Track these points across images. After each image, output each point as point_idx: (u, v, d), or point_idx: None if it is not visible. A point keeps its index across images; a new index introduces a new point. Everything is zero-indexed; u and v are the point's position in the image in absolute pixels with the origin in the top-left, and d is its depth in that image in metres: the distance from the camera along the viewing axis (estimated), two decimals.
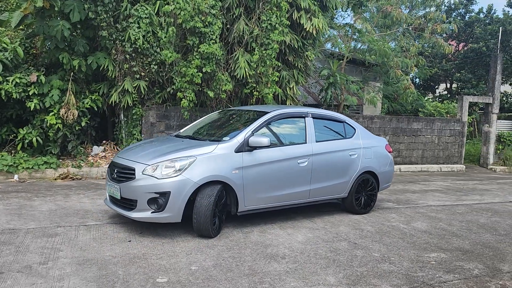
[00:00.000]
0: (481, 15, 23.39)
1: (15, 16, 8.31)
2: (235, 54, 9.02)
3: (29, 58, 8.98)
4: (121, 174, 4.91)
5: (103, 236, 4.66)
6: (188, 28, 8.20)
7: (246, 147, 5.02)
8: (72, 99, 8.27)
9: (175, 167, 4.63)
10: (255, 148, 5.06)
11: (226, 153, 4.89)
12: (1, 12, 9.62)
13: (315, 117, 5.95)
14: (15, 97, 7.95)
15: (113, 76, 8.78)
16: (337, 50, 13.93)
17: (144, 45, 8.46)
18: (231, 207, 5.05)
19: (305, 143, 5.65)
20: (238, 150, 4.97)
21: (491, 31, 21.47)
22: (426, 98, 20.89)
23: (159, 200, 4.58)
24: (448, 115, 14.91)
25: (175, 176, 4.58)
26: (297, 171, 5.46)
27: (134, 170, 4.74)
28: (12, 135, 8.60)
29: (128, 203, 4.79)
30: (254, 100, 9.21)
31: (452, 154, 13.31)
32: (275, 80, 9.07)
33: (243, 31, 8.88)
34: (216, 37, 8.47)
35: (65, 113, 8.16)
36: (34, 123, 8.46)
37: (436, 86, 25.79)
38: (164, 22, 8.53)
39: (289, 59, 9.68)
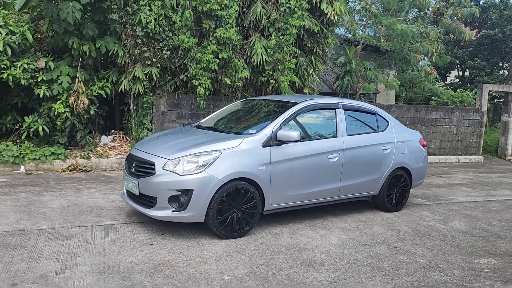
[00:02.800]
0: (497, 1, 22.68)
1: None
2: (252, 39, 8.53)
3: (33, 43, 8.50)
4: (140, 168, 4.56)
5: (122, 238, 4.27)
6: (204, 11, 7.70)
7: (274, 141, 4.65)
8: (82, 86, 7.83)
9: (198, 162, 4.28)
10: (283, 142, 4.69)
11: (252, 148, 4.53)
12: None
13: (346, 108, 5.55)
14: (23, 83, 7.50)
15: (122, 62, 8.31)
16: (349, 36, 13.39)
17: (156, 29, 7.97)
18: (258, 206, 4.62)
19: (336, 137, 5.26)
20: (266, 144, 4.61)
21: (507, 17, 20.82)
22: (436, 86, 20.35)
23: (181, 198, 4.23)
24: (465, 104, 14.41)
25: (199, 173, 4.23)
26: (327, 167, 5.09)
27: (154, 164, 4.39)
28: (17, 125, 8.17)
29: (148, 200, 4.45)
30: (270, 88, 8.76)
31: (470, 145, 12.88)
32: (291, 67, 8.59)
33: (260, 14, 8.37)
34: (233, 21, 7.98)
35: (74, 101, 7.72)
36: (40, 112, 8.03)
37: (447, 74, 25.21)
38: (178, 5, 8.02)
39: (307, 45, 9.19)
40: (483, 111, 12.94)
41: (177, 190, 4.22)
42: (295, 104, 5.16)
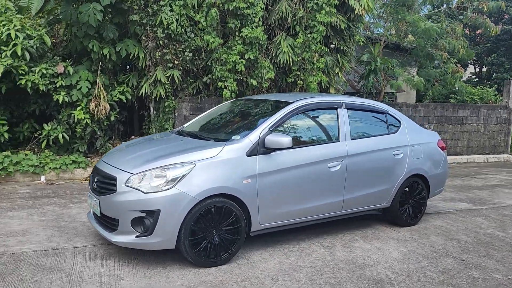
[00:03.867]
0: None
1: (36, 1, 7.51)
2: (277, 38, 8.16)
3: (50, 47, 8.18)
4: (102, 184, 3.87)
5: (164, 255, 3.90)
6: (230, 9, 7.34)
7: (261, 148, 3.92)
8: (102, 91, 7.49)
9: (167, 176, 3.56)
10: (273, 150, 3.95)
11: (235, 157, 3.80)
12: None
13: (350, 107, 4.76)
14: (41, 89, 7.17)
15: (143, 65, 7.97)
16: (367, 33, 13.00)
17: (177, 30, 7.62)
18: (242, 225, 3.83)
19: (338, 141, 4.49)
20: (251, 153, 3.87)
21: None
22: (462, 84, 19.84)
23: (146, 220, 3.53)
24: (490, 102, 13.97)
25: (167, 190, 3.52)
26: (327, 177, 4.33)
27: (115, 180, 3.69)
28: (36, 133, 7.85)
29: (110, 222, 3.77)
30: (297, 89, 8.38)
31: (498, 143, 12.42)
32: (320, 67, 8.21)
33: (286, 12, 8.00)
34: (259, 19, 7.62)
35: (95, 107, 7.39)
36: (59, 119, 7.70)
37: (464, 71, 24.70)
38: (200, 5, 7.67)
39: (333, 43, 8.81)
40: (510, 108, 12.48)
41: (141, 211, 3.52)
42: (288, 104, 4.39)
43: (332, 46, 8.64)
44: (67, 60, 7.70)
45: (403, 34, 12.89)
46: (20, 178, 6.92)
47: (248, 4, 7.43)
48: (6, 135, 7.38)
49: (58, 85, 7.39)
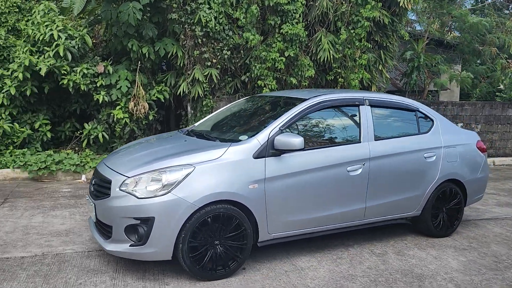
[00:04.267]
0: None
1: (78, 2, 7.60)
2: (317, 35, 7.90)
3: (91, 47, 8.26)
4: (98, 187, 3.64)
5: None
6: (270, 5, 7.15)
7: (270, 150, 3.57)
8: (141, 90, 7.47)
9: (162, 181, 3.28)
10: (284, 151, 3.60)
11: (240, 160, 3.47)
12: (60, 0, 8.95)
13: (374, 104, 4.29)
14: (83, 89, 7.23)
15: (181, 64, 7.91)
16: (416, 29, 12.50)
17: (216, 28, 7.50)
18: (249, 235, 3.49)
19: (359, 142, 4.07)
20: (259, 155, 3.53)
21: None
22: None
23: (140, 228, 3.26)
24: None
25: (162, 195, 3.23)
26: (346, 182, 3.92)
27: (110, 183, 3.44)
28: (77, 132, 7.94)
29: (105, 229, 3.51)
30: (338, 87, 8.09)
31: None
32: (363, 63, 7.89)
33: (327, 7, 7.72)
34: (299, 15, 7.39)
35: (134, 107, 7.38)
36: (99, 118, 7.75)
37: None
38: (239, 1, 7.52)
39: (375, 39, 8.46)
40: None
41: (135, 218, 3.25)
42: (304, 100, 4.01)
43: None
44: (107, 60, 7.74)
45: (447, 29, 12.31)
46: (62, 177, 6.99)
47: (289, 0, 7.21)
48: (49, 134, 7.50)
49: (98, 84, 7.43)
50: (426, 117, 4.66)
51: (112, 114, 7.60)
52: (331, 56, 7.72)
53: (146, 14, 7.45)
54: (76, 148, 7.93)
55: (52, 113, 7.97)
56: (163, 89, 7.99)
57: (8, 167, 6.75)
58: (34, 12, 7.57)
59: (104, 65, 7.49)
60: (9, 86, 6.98)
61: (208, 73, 7.75)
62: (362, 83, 8.40)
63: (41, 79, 7.28)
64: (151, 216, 3.20)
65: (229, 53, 7.78)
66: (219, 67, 7.89)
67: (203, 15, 7.40)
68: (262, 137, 3.60)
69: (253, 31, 7.33)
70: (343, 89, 6.58)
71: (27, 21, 7.96)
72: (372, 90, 8.63)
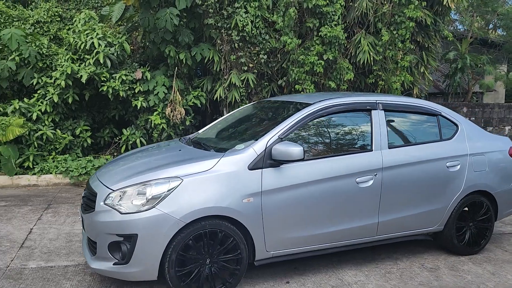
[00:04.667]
0: None
1: (116, 9, 7.75)
2: (356, 37, 7.67)
3: (130, 53, 8.38)
4: (87, 200, 3.44)
5: (255, 273, 3.63)
6: (308, 8, 7.01)
7: (268, 160, 3.28)
8: (178, 96, 7.49)
9: (147, 195, 3.06)
10: (283, 162, 3.29)
11: (233, 171, 3.21)
12: (99, 8, 9.15)
13: (388, 108, 3.93)
14: (121, 95, 7.33)
15: (217, 69, 7.88)
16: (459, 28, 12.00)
17: (252, 32, 7.42)
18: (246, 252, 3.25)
19: (371, 150, 3.71)
20: (255, 165, 3.25)
21: None
22: None
23: (123, 246, 3.05)
24: None
25: (146, 210, 3.01)
26: (355, 195, 3.57)
27: (96, 196, 3.25)
28: (117, 138, 8.06)
29: (92, 245, 3.32)
30: (379, 90, 7.83)
31: None
32: (405, 66, 7.60)
33: (367, 8, 7.49)
34: (338, 17, 7.20)
35: (171, 112, 7.40)
36: (137, 124, 7.83)
37: None
38: (275, 5, 7.41)
39: (417, 40, 8.14)
40: None
41: (118, 235, 3.05)
42: (307, 106, 3.71)
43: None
44: (144, 66, 7.82)
45: (491, 28, 11.74)
46: None
47: (328, 1, 7.04)
48: (89, 140, 7.63)
49: (136, 90, 7.51)
50: (449, 121, 4.25)
51: (149, 120, 7.65)
52: (371, 58, 7.48)
53: (183, 20, 7.47)
54: (115, 154, 8.03)
55: (91, 119, 8.13)
56: (199, 94, 7.98)
57: (51, 173, 6.91)
58: (75, 20, 7.74)
59: (142, 72, 7.56)
60: (52, 94, 7.16)
61: (245, 78, 7.68)
62: (403, 86, 8.11)
63: (81, 86, 7.43)
64: (134, 233, 2.99)
65: (265, 57, 7.68)
66: (256, 71, 7.81)
67: (240, 20, 7.35)
68: (258, 147, 3.33)
69: (291, 35, 7.19)
70: (356, 92, 6.21)
71: (68, 29, 8.18)
72: (414, 93, 8.31)
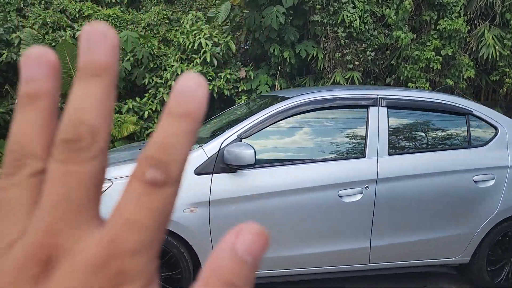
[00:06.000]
0: None
1: (223, 10, 7.85)
2: (479, 30, 6.90)
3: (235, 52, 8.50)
4: None
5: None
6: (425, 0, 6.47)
7: (220, 164, 2.77)
8: None
9: None
10: (235, 167, 2.73)
11: None
12: (204, 9, 9.41)
13: (394, 105, 3.17)
14: (226, 94, 7.42)
15: (321, 68, 7.62)
16: None
17: (360, 28, 7.04)
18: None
19: (363, 156, 3.01)
20: (203, 170, 2.75)
21: None
22: None
23: None
24: None
25: None
26: (336, 211, 2.93)
27: None
28: None
29: None
30: (504, 90, 6.98)
31: None
32: None
33: None
34: (460, 9, 6.53)
35: None
36: None
37: None
38: None
39: None
40: None
41: None
42: (283, 100, 3.10)
43: None
44: (249, 66, 7.85)
45: None
46: None
47: None
48: None
49: (240, 89, 7.55)
50: (485, 123, 3.35)
51: None
52: (497, 53, 6.67)
53: (289, 18, 7.34)
54: None
55: None
56: None
57: None
58: (183, 22, 8.01)
59: (246, 70, 7.58)
60: (162, 93, 7.47)
61: (350, 76, 7.33)
62: None
63: None
64: None
65: (373, 54, 7.26)
66: (362, 69, 7.42)
67: (347, 15, 7.02)
68: (210, 148, 2.83)
69: (405, 29, 6.68)
70: (353, 86, 5.29)
71: (176, 30, 8.49)
72: None
